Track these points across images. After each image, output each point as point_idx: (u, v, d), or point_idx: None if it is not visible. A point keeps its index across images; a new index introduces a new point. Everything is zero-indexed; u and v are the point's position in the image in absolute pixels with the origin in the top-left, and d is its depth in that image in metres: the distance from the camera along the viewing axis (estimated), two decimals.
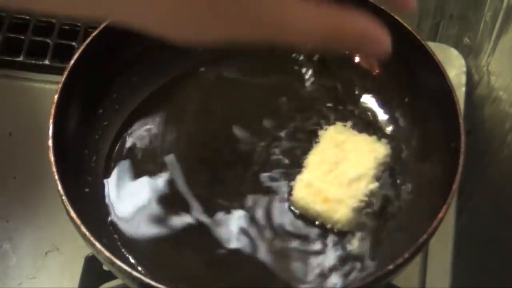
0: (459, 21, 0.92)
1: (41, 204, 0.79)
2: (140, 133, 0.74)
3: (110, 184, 0.71)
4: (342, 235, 0.68)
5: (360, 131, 0.73)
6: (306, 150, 0.72)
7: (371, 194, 0.69)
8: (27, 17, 0.91)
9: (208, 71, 0.78)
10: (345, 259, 0.67)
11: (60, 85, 0.67)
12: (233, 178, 0.71)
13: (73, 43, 0.88)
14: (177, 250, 0.68)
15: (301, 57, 0.78)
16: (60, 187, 0.62)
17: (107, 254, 0.60)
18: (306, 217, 0.69)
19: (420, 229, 0.62)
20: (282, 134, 0.74)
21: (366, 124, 0.74)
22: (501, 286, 0.91)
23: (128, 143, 0.73)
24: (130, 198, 0.70)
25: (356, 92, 0.77)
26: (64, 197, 0.62)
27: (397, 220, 0.69)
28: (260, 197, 0.70)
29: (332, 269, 0.66)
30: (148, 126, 0.75)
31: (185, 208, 0.70)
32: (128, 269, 0.59)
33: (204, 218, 0.69)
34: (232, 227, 0.68)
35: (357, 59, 0.77)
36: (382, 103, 0.76)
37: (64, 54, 0.86)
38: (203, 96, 0.77)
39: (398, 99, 0.75)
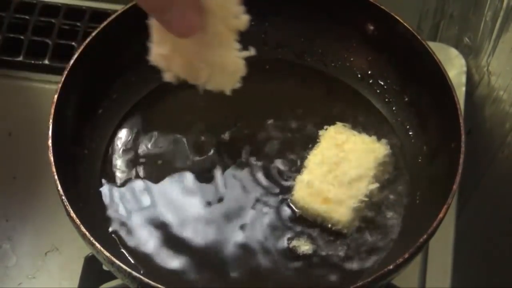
0: (459, 21, 0.92)
1: (41, 204, 0.79)
2: (140, 133, 0.74)
3: (110, 184, 0.71)
4: (342, 234, 0.68)
5: (360, 131, 0.73)
6: (306, 150, 0.72)
7: (371, 194, 0.69)
8: (27, 17, 0.90)
9: None
10: (345, 258, 0.67)
11: (59, 85, 0.67)
12: (233, 179, 0.71)
13: (73, 43, 0.88)
14: (176, 250, 0.68)
15: (303, 61, 0.79)
16: (60, 187, 0.62)
17: (107, 254, 0.59)
18: (306, 217, 0.69)
19: (420, 229, 0.62)
20: (282, 134, 0.74)
21: (366, 124, 0.74)
22: (501, 286, 0.91)
23: (128, 143, 0.73)
24: (129, 198, 0.70)
25: (356, 93, 0.77)
26: (64, 197, 0.62)
27: (397, 220, 0.69)
28: (260, 197, 0.70)
29: (333, 268, 0.66)
30: (147, 126, 0.75)
31: (184, 208, 0.70)
32: (128, 269, 0.59)
33: (203, 218, 0.69)
34: (232, 227, 0.68)
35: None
36: (382, 103, 0.76)
37: (64, 54, 0.86)
38: (203, 96, 0.77)
39: (398, 99, 0.75)
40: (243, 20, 0.51)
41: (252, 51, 0.55)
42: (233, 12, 0.50)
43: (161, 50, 0.54)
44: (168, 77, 0.56)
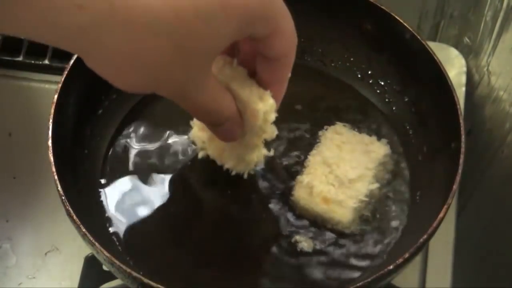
0: (459, 21, 0.92)
1: (41, 204, 0.79)
2: (140, 133, 0.74)
3: (110, 184, 0.71)
4: (342, 235, 0.68)
5: (360, 131, 0.73)
6: (306, 150, 0.72)
7: (371, 194, 0.69)
8: None
9: None
10: (345, 259, 0.67)
11: (59, 85, 0.67)
12: (233, 178, 0.71)
13: None
14: (175, 250, 0.68)
15: (303, 61, 0.79)
16: (60, 187, 0.62)
17: (107, 254, 0.59)
18: (306, 217, 0.69)
19: (420, 229, 0.62)
20: (282, 134, 0.74)
21: (366, 124, 0.74)
22: (501, 286, 0.91)
23: (128, 144, 0.73)
24: (129, 198, 0.70)
25: (356, 93, 0.77)
26: (64, 197, 0.62)
27: (397, 220, 0.69)
28: (260, 197, 0.70)
29: (333, 268, 0.66)
30: (148, 127, 0.75)
31: (183, 208, 0.70)
32: (128, 269, 0.59)
33: (202, 218, 0.69)
34: (231, 227, 0.68)
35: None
36: (382, 103, 0.76)
37: (64, 54, 0.85)
38: None
39: (398, 99, 0.75)
40: (274, 134, 0.62)
41: (272, 152, 0.69)
42: (267, 131, 0.62)
43: (201, 135, 0.67)
44: (200, 154, 0.69)
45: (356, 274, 0.66)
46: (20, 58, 0.88)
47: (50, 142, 0.64)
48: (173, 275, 0.66)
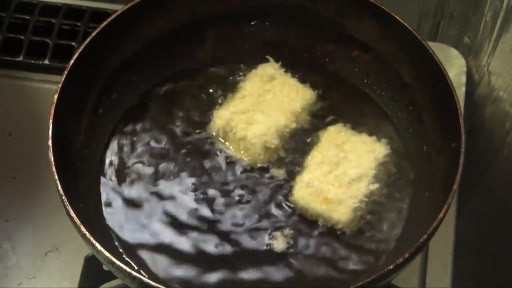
0: (459, 21, 0.92)
1: (41, 204, 0.79)
2: (140, 133, 0.74)
3: (110, 184, 0.71)
4: (342, 234, 0.68)
5: (360, 131, 0.73)
6: (306, 150, 0.72)
7: (372, 194, 0.69)
8: (27, 17, 0.91)
9: (205, 70, 0.78)
10: (346, 258, 0.67)
11: (59, 85, 0.67)
12: (232, 179, 0.71)
13: (73, 43, 0.88)
14: (175, 249, 0.68)
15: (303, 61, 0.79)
16: (60, 187, 0.62)
17: (107, 254, 0.59)
18: (306, 217, 0.69)
19: (420, 229, 0.62)
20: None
21: (366, 124, 0.74)
22: (501, 286, 0.91)
23: (128, 143, 0.73)
24: (129, 198, 0.70)
25: (356, 93, 0.77)
26: (64, 197, 0.62)
27: (397, 220, 0.69)
28: (260, 197, 0.70)
29: (333, 268, 0.66)
30: (147, 126, 0.75)
31: (183, 208, 0.70)
32: (128, 269, 0.59)
33: (203, 219, 0.69)
34: (232, 227, 0.68)
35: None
36: (382, 103, 0.76)
37: (64, 54, 0.86)
38: (202, 97, 0.77)
39: (398, 98, 0.75)
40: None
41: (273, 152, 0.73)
42: None
43: (220, 124, 0.73)
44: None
45: (356, 274, 0.66)
46: (20, 58, 0.88)
47: (50, 142, 0.64)
48: (172, 274, 0.66)
